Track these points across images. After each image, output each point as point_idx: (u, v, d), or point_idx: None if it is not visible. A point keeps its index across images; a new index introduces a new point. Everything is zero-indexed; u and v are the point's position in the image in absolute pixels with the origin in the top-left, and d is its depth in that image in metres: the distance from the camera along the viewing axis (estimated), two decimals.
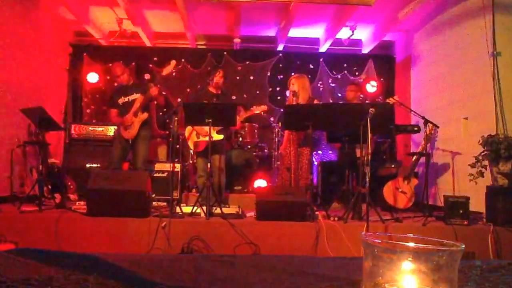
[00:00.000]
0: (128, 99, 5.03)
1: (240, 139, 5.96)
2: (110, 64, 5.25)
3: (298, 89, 4.89)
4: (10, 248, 1.78)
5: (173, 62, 4.97)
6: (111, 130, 5.94)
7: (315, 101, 5.08)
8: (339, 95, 7.19)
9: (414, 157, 5.16)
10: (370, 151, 3.89)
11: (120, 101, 5.07)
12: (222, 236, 3.68)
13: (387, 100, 5.12)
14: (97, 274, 0.95)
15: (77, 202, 4.57)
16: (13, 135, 5.27)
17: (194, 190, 5.69)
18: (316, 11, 6.31)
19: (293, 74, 5.35)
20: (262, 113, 5.57)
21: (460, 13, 5.32)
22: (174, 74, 7.03)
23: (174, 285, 0.96)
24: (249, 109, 5.42)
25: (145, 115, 4.96)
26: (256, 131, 6.02)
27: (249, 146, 6.10)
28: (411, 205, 4.97)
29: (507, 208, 3.97)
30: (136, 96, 5.00)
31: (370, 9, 5.54)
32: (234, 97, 6.80)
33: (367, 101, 6.60)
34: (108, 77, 6.96)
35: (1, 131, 5.23)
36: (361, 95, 6.55)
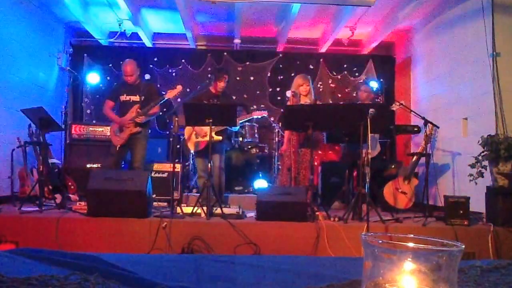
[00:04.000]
0: (130, 98, 4.92)
1: (241, 139, 5.97)
2: (127, 61, 5.01)
3: (309, 90, 4.93)
4: (10, 248, 1.78)
5: (179, 87, 4.85)
6: None
7: (318, 102, 5.10)
8: (339, 95, 7.20)
9: (414, 158, 5.16)
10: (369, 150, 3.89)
11: (122, 98, 4.94)
12: (222, 236, 3.68)
13: (392, 108, 5.10)
14: (97, 274, 0.95)
15: (77, 203, 4.57)
16: (14, 135, 5.27)
17: (194, 190, 5.70)
18: (316, 11, 6.32)
19: (298, 74, 5.31)
20: (262, 118, 5.61)
21: (460, 14, 5.33)
22: (174, 74, 7.06)
23: (175, 285, 0.96)
24: (250, 113, 5.46)
25: (138, 129, 4.82)
26: (256, 131, 6.02)
27: (249, 147, 6.10)
28: (411, 206, 4.97)
29: (507, 208, 3.97)
30: (137, 98, 4.88)
31: (370, 9, 5.54)
32: (234, 98, 6.80)
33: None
34: (109, 78, 6.97)
35: (1, 132, 5.24)
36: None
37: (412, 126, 5.78)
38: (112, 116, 4.98)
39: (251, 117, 5.40)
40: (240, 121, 5.28)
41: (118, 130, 4.88)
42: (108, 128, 5.90)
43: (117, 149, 4.86)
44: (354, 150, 5.09)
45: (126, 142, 4.84)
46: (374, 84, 6.15)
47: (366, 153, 3.91)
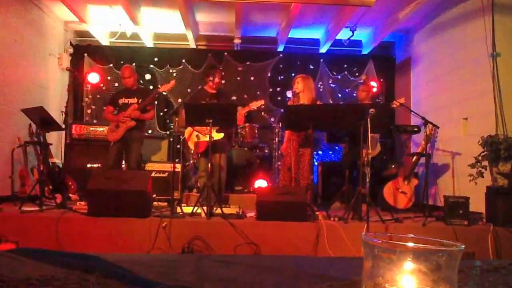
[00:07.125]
0: (128, 101, 5.15)
1: (241, 139, 5.96)
2: (124, 65, 5.52)
3: (302, 89, 4.91)
4: (11, 248, 1.78)
5: (173, 82, 5.19)
6: None
7: (318, 102, 5.08)
8: (339, 95, 7.20)
9: (414, 158, 5.17)
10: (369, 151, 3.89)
11: (121, 101, 5.19)
12: (222, 236, 3.68)
13: (393, 104, 5.10)
14: (97, 274, 0.95)
15: (78, 202, 4.57)
16: (14, 135, 5.28)
17: (195, 190, 5.70)
18: (316, 11, 6.32)
19: (298, 74, 5.29)
20: (261, 107, 5.45)
21: (460, 14, 5.33)
22: (174, 74, 7.06)
23: (175, 285, 0.96)
24: (247, 105, 5.36)
25: (133, 123, 5.04)
26: (256, 131, 6.02)
27: (249, 146, 6.10)
28: (411, 205, 4.97)
29: (507, 208, 3.98)
30: (134, 100, 5.12)
31: (370, 9, 5.54)
32: (234, 97, 6.80)
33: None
34: (109, 77, 6.98)
35: (2, 131, 5.24)
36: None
37: (412, 126, 5.78)
38: (111, 117, 5.23)
39: (249, 109, 5.29)
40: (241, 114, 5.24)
41: (115, 127, 5.09)
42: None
43: (112, 145, 5.04)
44: (354, 149, 5.10)
45: (121, 139, 5.00)
46: (373, 85, 6.16)
47: (366, 153, 3.92)
